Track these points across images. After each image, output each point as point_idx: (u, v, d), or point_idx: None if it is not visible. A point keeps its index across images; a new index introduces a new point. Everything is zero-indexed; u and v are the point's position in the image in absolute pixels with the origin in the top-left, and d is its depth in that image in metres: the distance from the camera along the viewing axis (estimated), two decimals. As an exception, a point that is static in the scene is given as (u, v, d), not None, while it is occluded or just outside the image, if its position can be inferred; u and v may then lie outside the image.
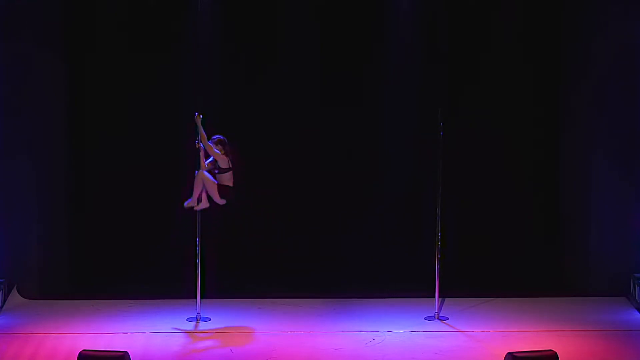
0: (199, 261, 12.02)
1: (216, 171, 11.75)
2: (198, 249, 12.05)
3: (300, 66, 13.47)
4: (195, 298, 12.02)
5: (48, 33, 13.03)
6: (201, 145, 11.71)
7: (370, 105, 13.63)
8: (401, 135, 13.65)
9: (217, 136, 11.74)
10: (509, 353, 8.87)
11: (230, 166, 11.73)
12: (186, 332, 11.70)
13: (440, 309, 12.23)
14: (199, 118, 11.63)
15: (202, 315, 12.07)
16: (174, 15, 13.25)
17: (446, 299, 12.60)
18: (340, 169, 13.63)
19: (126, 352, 8.98)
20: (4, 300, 12.62)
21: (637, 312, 12.40)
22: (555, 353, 8.87)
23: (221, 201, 11.81)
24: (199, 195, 11.81)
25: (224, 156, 11.71)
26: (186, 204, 11.87)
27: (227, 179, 11.77)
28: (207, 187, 11.75)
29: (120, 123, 13.52)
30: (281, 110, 13.52)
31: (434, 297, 12.15)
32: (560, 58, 13.52)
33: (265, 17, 13.43)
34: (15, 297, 12.81)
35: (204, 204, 11.86)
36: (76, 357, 8.93)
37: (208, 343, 11.36)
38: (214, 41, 13.26)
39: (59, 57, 13.24)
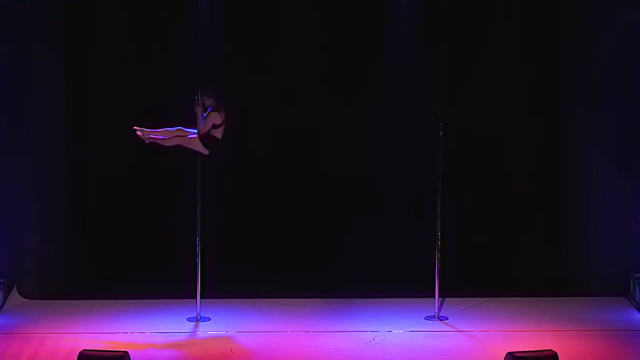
0: (199, 261, 12.03)
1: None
2: (198, 249, 12.05)
3: (301, 66, 13.46)
4: (195, 298, 12.03)
5: (48, 33, 13.03)
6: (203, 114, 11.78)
7: (370, 105, 13.61)
8: (401, 135, 13.64)
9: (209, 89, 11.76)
10: (509, 353, 8.86)
11: (223, 120, 11.69)
12: (186, 332, 11.70)
13: (440, 309, 12.22)
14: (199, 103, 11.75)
15: (202, 315, 12.07)
16: (174, 15, 13.25)
17: (446, 299, 12.60)
18: (340, 169, 13.62)
19: (126, 352, 8.96)
20: (4, 300, 12.61)
21: (637, 312, 12.40)
22: (555, 353, 8.85)
23: (205, 151, 11.77)
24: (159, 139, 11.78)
25: (217, 112, 11.69)
26: (140, 132, 11.81)
27: (219, 131, 11.73)
28: (191, 146, 11.75)
29: (120, 123, 13.49)
30: (281, 110, 13.50)
31: (434, 297, 12.15)
32: (560, 58, 13.51)
33: (265, 17, 13.43)
34: (15, 297, 12.80)
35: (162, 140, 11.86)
36: (76, 357, 8.91)
37: (208, 343, 11.36)
38: (214, 41, 13.25)
39: (59, 57, 13.23)
